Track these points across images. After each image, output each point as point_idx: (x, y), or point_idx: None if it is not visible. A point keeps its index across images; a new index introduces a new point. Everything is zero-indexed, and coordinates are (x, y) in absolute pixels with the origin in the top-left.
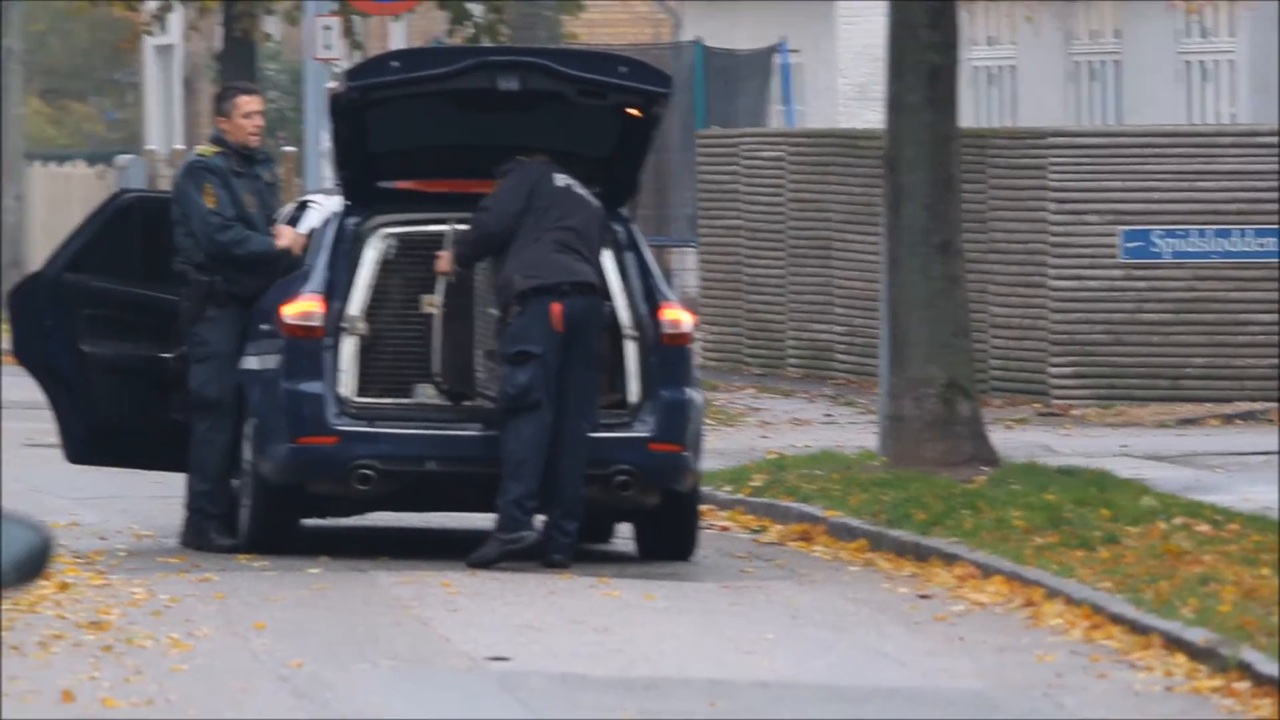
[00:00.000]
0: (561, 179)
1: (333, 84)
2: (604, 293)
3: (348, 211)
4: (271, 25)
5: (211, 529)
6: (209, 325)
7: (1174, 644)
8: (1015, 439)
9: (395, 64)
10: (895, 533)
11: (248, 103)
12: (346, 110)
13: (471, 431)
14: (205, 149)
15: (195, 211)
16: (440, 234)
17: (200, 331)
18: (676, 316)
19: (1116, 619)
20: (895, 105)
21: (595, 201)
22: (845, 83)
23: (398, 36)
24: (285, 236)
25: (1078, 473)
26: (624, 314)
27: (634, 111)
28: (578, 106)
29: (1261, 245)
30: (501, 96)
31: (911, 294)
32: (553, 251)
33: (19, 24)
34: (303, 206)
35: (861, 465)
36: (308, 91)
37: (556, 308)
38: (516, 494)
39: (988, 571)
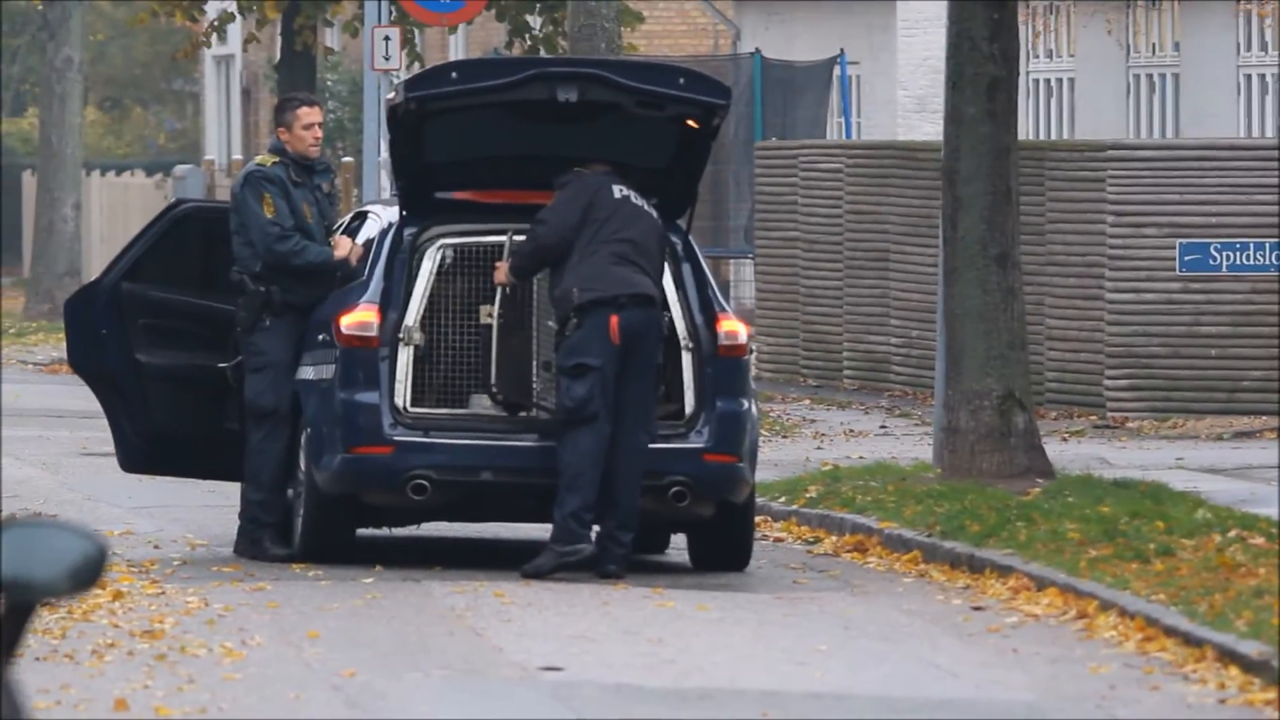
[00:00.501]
0: (620, 190)
1: (391, 95)
2: (662, 305)
3: (405, 222)
4: (331, 36)
5: (266, 538)
6: (265, 335)
7: (1228, 656)
8: (1071, 451)
9: (454, 74)
10: (949, 544)
11: (308, 114)
12: (404, 121)
13: (527, 442)
14: (265, 159)
15: (254, 221)
16: (497, 245)
17: (256, 341)
18: (733, 328)
19: (1170, 631)
20: (954, 117)
21: (654, 213)
22: (904, 94)
23: (456, 48)
24: (343, 247)
25: (1133, 485)
26: (680, 325)
27: (692, 123)
28: (636, 118)
29: None
30: (560, 108)
31: (968, 306)
32: (610, 264)
33: (79, 34)
34: (360, 217)
35: (916, 477)
36: (366, 102)
37: (614, 320)
38: (573, 506)
39: (1042, 584)
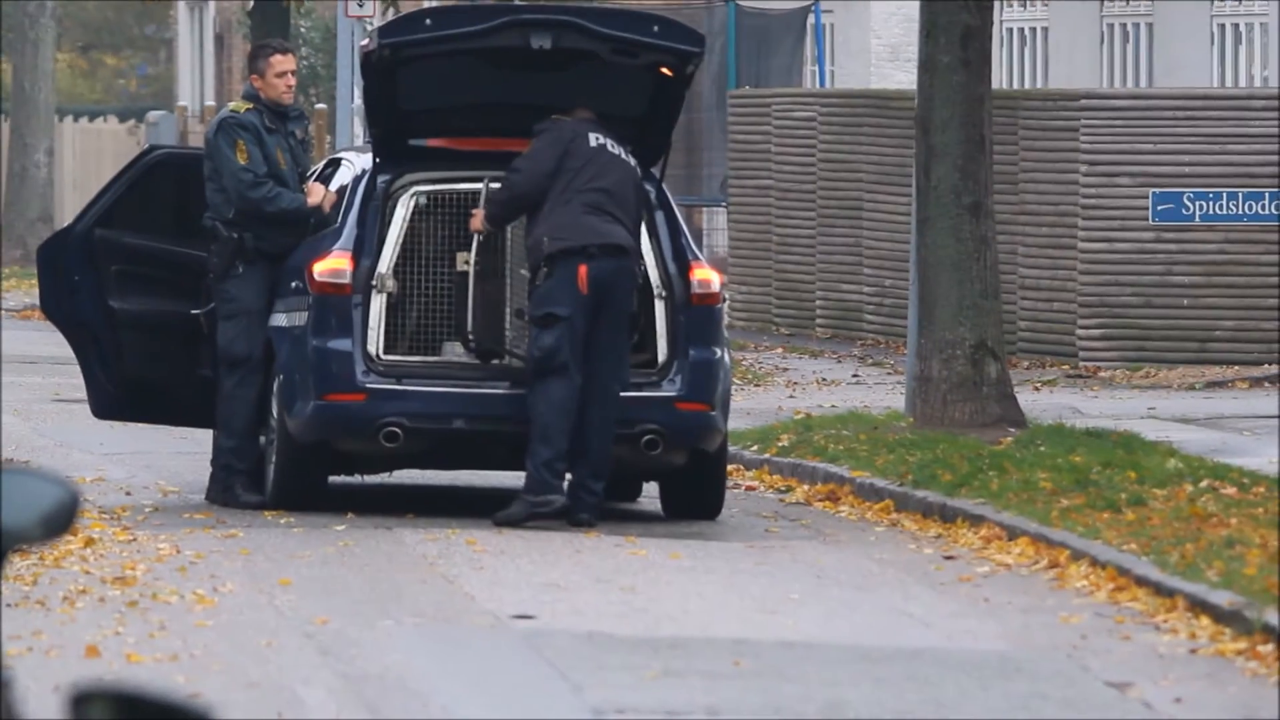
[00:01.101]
0: (597, 138)
1: (365, 41)
2: (637, 254)
3: (378, 169)
4: None
5: (238, 485)
6: (238, 281)
7: (1199, 606)
8: (1043, 401)
9: (428, 21)
10: (921, 494)
11: (281, 61)
12: (378, 68)
13: (499, 390)
14: (238, 105)
15: (227, 167)
16: (471, 192)
17: (229, 288)
18: (706, 276)
19: (1142, 581)
20: (928, 66)
21: (631, 161)
22: (878, 43)
23: None
24: (315, 194)
25: (1105, 435)
26: (653, 273)
27: (666, 71)
28: (610, 66)
29: None
30: (534, 55)
31: (941, 255)
32: (582, 214)
33: None
34: (334, 164)
35: (888, 426)
36: (340, 49)
37: (583, 270)
38: (545, 457)
39: (1013, 533)
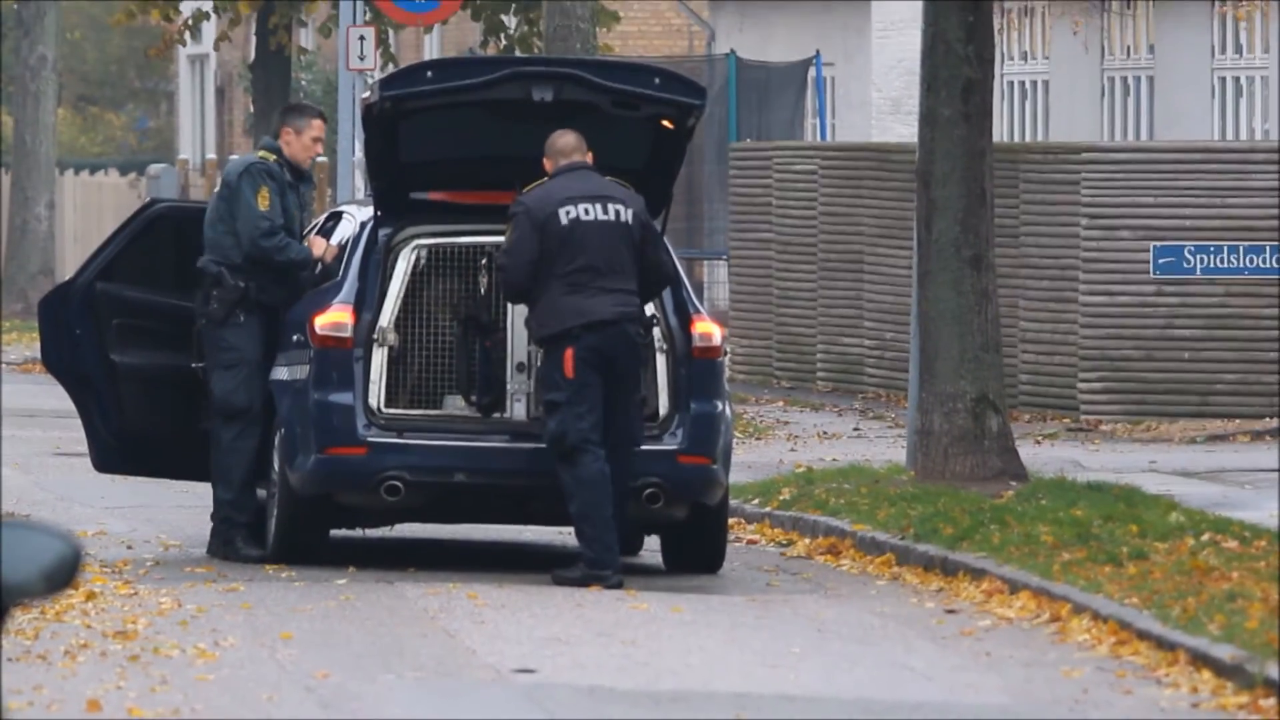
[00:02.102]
0: (568, 212)
1: (366, 94)
2: (631, 317)
3: (379, 222)
4: (305, 36)
5: (238, 538)
6: (237, 331)
7: (1200, 660)
8: (1044, 454)
9: (429, 73)
10: (923, 547)
11: (320, 126)
12: (379, 120)
13: (501, 443)
14: (265, 154)
15: (246, 212)
16: (472, 245)
17: (228, 336)
18: (707, 329)
19: (1143, 635)
20: (929, 119)
21: (618, 211)
22: (879, 96)
23: (431, 48)
24: (318, 246)
25: (1106, 488)
26: (655, 327)
27: (667, 123)
28: (611, 118)
29: None
30: (535, 107)
31: (942, 308)
32: (561, 296)
33: (54, 32)
34: (335, 217)
35: (890, 479)
36: (341, 102)
37: (568, 353)
38: (591, 535)
39: (1015, 587)
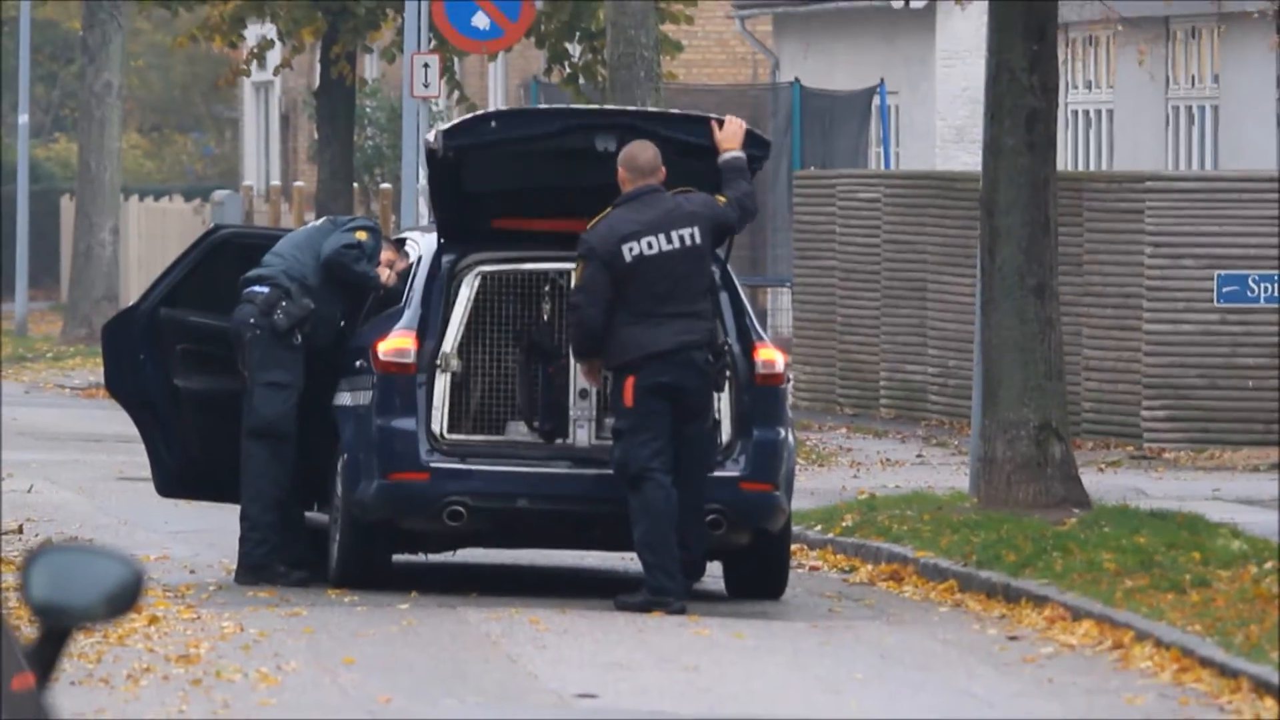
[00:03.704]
0: (630, 249)
1: (430, 139)
2: (698, 343)
3: (442, 249)
4: (369, 63)
5: (279, 564)
6: (293, 352)
7: (1263, 688)
8: (1107, 482)
9: (493, 124)
10: (985, 574)
11: (395, 259)
12: (442, 164)
13: (563, 469)
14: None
15: (344, 236)
16: (535, 272)
17: (283, 356)
18: (770, 356)
19: (1206, 662)
20: (992, 148)
21: (685, 237)
22: (943, 125)
23: (496, 75)
24: (381, 273)
25: (1169, 516)
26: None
27: None
28: (675, 163)
29: None
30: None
31: (1006, 336)
32: (624, 326)
33: (119, 59)
34: (399, 244)
35: (953, 506)
36: (405, 129)
37: (629, 382)
38: (653, 562)
39: (1078, 614)
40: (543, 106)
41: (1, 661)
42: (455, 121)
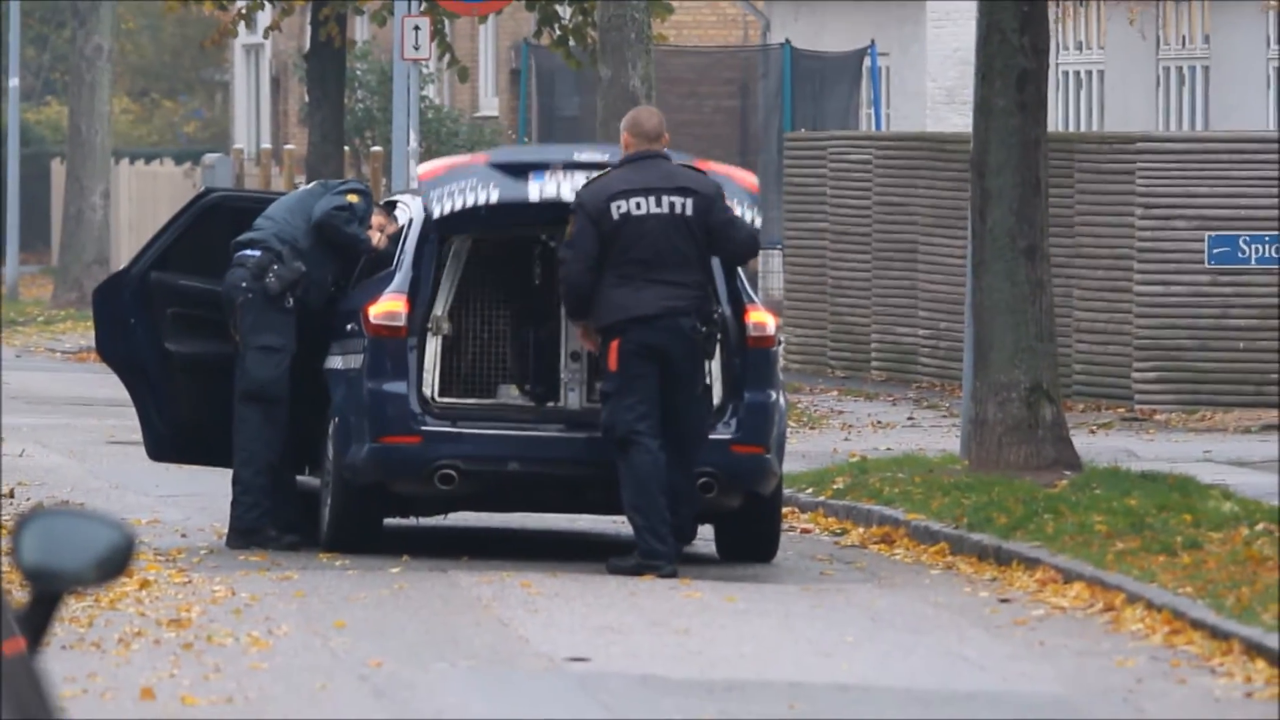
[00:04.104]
0: (618, 207)
1: (423, 209)
2: (685, 310)
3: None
4: (360, 25)
5: (270, 528)
6: (285, 316)
7: (1254, 650)
8: (1098, 444)
9: (483, 214)
10: (976, 536)
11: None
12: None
13: (554, 432)
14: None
15: (336, 198)
16: (527, 237)
17: (275, 320)
18: (761, 319)
19: (1197, 624)
20: (983, 109)
21: (673, 204)
22: (934, 86)
23: (486, 37)
24: (372, 236)
25: (1160, 478)
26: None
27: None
28: None
29: None
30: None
31: (996, 298)
32: (610, 288)
33: (110, 22)
34: (389, 206)
35: (944, 469)
36: (396, 92)
37: (613, 346)
38: (642, 525)
39: (1069, 576)
40: (533, 196)
41: None
42: (448, 214)
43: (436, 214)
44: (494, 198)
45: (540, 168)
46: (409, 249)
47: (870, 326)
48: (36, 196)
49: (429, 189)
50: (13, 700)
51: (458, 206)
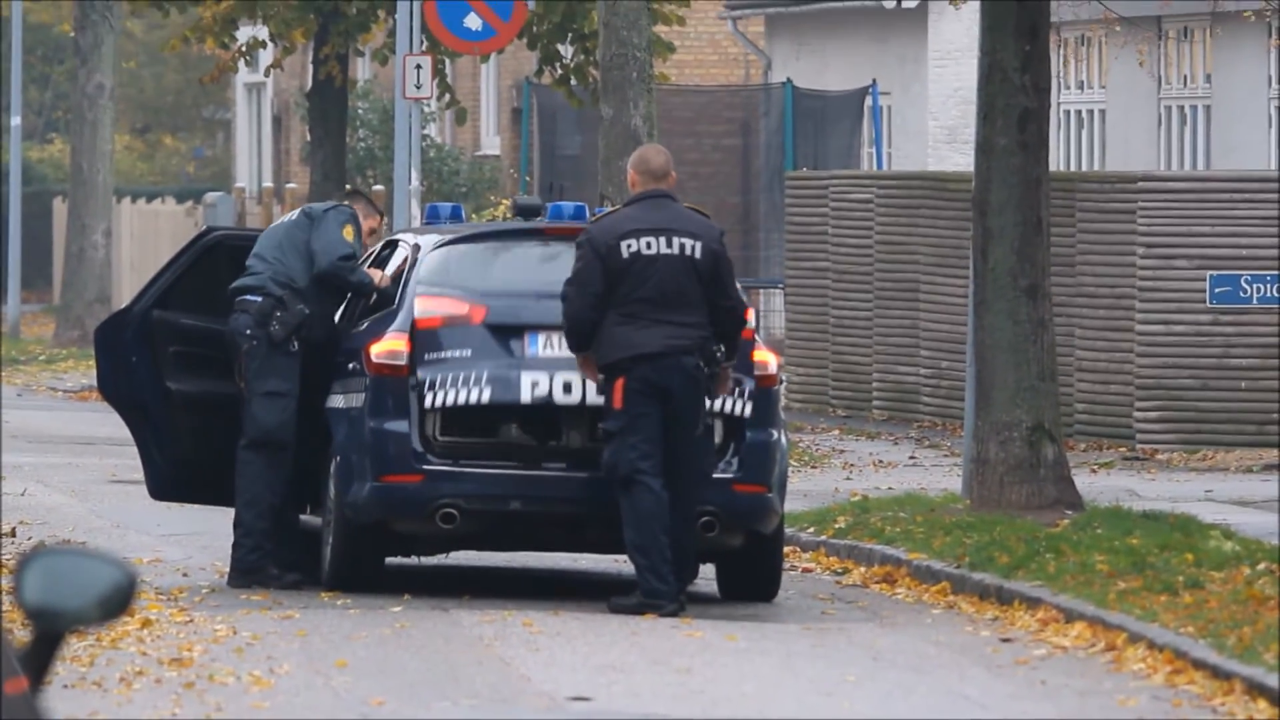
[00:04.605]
0: (628, 246)
1: (417, 317)
2: (687, 349)
3: (435, 250)
4: (361, 65)
5: (271, 567)
6: (290, 360)
7: (1256, 690)
8: (1100, 483)
9: (475, 410)
10: (978, 576)
11: (379, 224)
12: None
13: (556, 471)
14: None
15: (331, 237)
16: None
17: (281, 364)
18: (763, 358)
19: (1199, 664)
20: (985, 148)
21: (683, 245)
22: (935, 125)
23: (488, 76)
24: (374, 276)
25: (1162, 517)
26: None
27: None
28: None
29: None
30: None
31: (998, 337)
32: (615, 326)
33: (111, 60)
34: (391, 245)
35: (945, 508)
36: (398, 130)
37: (618, 384)
38: (644, 565)
39: (1070, 616)
40: (524, 397)
41: None
42: (439, 406)
43: (428, 404)
44: (485, 397)
45: (537, 329)
46: (411, 288)
47: (872, 365)
48: (38, 235)
49: (423, 354)
50: None
51: (449, 401)
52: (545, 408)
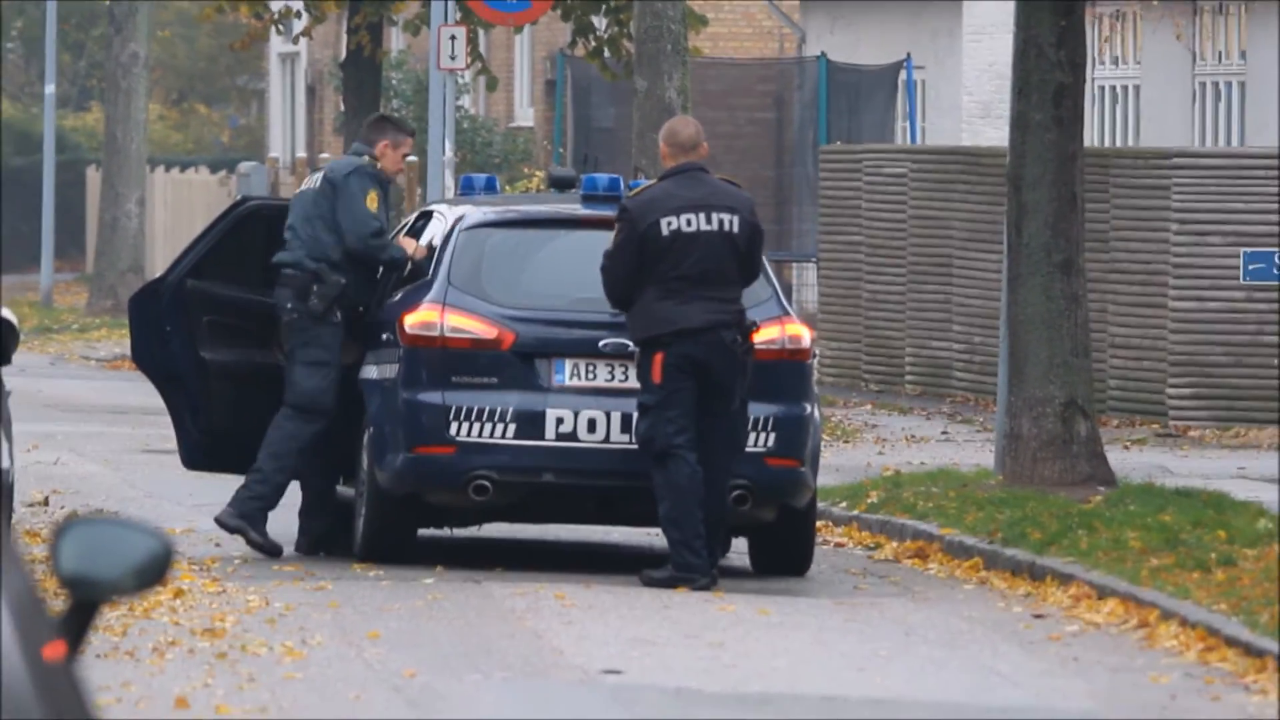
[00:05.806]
0: (669, 224)
1: (449, 333)
2: (726, 324)
3: (469, 221)
4: (394, 35)
5: (262, 522)
6: (332, 330)
7: None
8: (1132, 459)
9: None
10: (1010, 552)
11: (411, 145)
12: None
13: (589, 444)
14: (367, 161)
15: (356, 210)
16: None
17: (323, 335)
18: (796, 332)
19: (1231, 641)
20: (1020, 123)
21: (722, 221)
22: (970, 100)
23: (522, 47)
24: (408, 246)
25: (1195, 494)
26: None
27: None
28: None
29: None
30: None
31: (1032, 312)
32: (655, 301)
33: (145, 29)
34: (426, 216)
35: (978, 483)
36: (432, 101)
37: (658, 359)
38: (678, 538)
39: (1103, 592)
40: (549, 435)
41: (33, 631)
42: (466, 440)
43: (452, 432)
44: (510, 433)
45: (564, 356)
46: (446, 258)
47: (905, 340)
48: (72, 204)
49: (449, 376)
50: (52, 705)
51: (474, 435)
52: (568, 441)
